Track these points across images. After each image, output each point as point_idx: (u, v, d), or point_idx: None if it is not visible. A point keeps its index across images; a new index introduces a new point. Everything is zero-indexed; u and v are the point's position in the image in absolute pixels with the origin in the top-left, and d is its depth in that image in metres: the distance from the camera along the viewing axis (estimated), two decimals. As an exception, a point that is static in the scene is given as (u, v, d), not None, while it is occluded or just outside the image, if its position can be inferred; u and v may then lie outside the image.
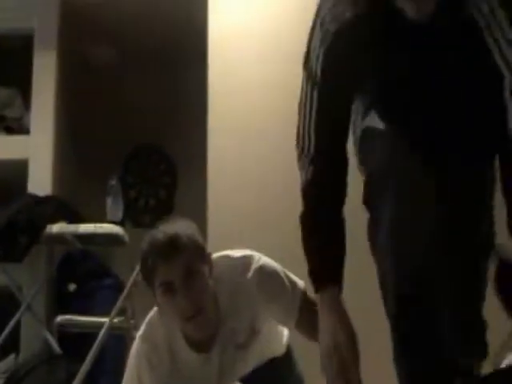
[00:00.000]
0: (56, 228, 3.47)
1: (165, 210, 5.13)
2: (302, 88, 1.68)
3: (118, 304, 3.38)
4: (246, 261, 2.03)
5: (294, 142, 1.73)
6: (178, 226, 1.96)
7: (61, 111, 4.43)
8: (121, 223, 3.53)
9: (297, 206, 1.71)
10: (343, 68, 1.60)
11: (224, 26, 3.58)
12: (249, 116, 3.52)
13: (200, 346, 2.02)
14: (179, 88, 5.10)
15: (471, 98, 1.61)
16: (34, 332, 3.71)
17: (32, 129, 4.26)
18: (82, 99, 4.87)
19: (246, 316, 2.01)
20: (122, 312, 3.43)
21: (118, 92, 5.10)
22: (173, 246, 1.90)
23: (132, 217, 4.70)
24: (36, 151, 4.17)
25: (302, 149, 1.69)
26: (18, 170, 4.08)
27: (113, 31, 4.80)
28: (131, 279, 3.35)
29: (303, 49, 1.68)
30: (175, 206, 5.20)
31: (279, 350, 2.18)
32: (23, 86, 4.34)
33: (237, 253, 2.07)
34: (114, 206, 3.61)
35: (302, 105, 1.67)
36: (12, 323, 3.53)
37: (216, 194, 3.47)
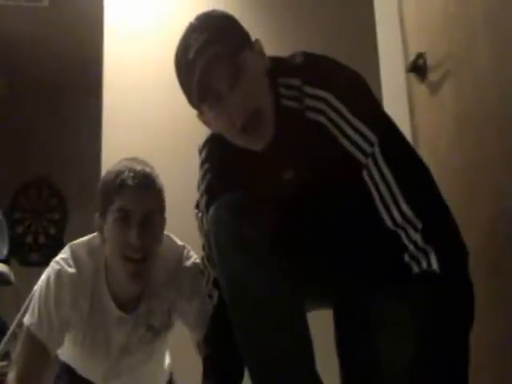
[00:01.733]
0: None
1: (55, 246, 4.93)
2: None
3: (1, 347, 3.18)
4: (187, 251, 2.02)
5: (191, 186, 1.75)
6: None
7: None
8: (6, 261, 3.37)
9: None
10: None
11: (120, 56, 3.49)
12: (144, 149, 3.42)
13: (122, 304, 1.93)
14: (70, 119, 4.97)
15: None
16: None
17: None
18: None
19: (169, 301, 1.98)
20: (5, 356, 3.24)
21: (5, 122, 4.92)
22: (148, 179, 1.83)
23: (19, 254, 4.50)
24: None
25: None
26: None
27: (3, 58, 4.65)
28: (16, 321, 3.16)
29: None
30: (65, 242, 5.02)
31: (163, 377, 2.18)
32: None
33: (178, 240, 2.04)
34: (-1, 242, 3.44)
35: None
36: None
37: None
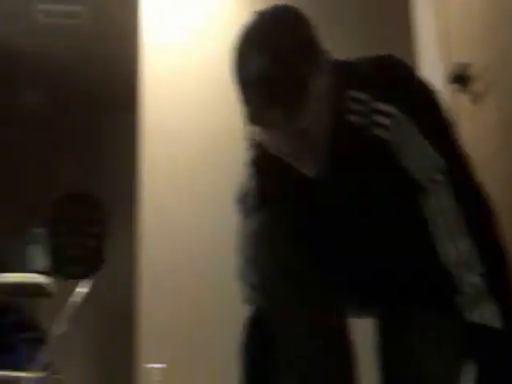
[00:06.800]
0: (-23, 278, 3.30)
1: (93, 259, 4.97)
2: None
3: (42, 358, 3.21)
4: None
5: (232, 191, 1.65)
6: None
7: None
8: (46, 273, 3.40)
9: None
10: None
11: (156, 70, 3.51)
12: (181, 161, 3.43)
13: None
14: (110, 133, 5.01)
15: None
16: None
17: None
18: (8, 143, 4.74)
19: None
20: (46, 367, 3.26)
21: (47, 136, 4.99)
22: None
23: (58, 267, 4.54)
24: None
25: None
26: None
27: (42, 75, 4.72)
28: (56, 332, 3.20)
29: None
30: (105, 256, 5.05)
31: None
32: None
33: None
34: (38, 255, 3.47)
35: None
36: None
37: (148, 246, 3.36)
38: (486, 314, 1.33)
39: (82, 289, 3.93)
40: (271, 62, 1.31)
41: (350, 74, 1.48)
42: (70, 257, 5.03)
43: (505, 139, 2.06)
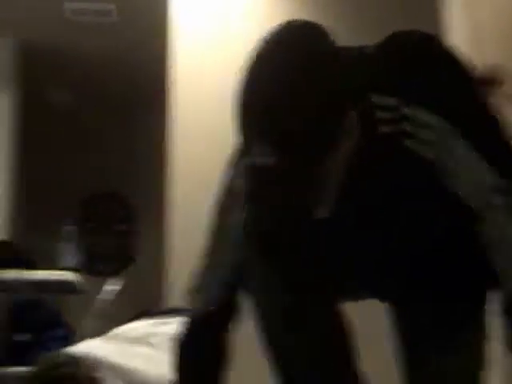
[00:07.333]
0: (9, 275, 3.34)
1: (122, 257, 5.02)
2: None
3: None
4: None
5: None
6: None
7: (16, 154, 4.35)
8: (76, 270, 3.43)
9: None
10: None
11: (186, 69, 3.53)
12: (211, 161, 3.44)
13: None
14: (139, 132, 5.05)
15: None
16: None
17: (-14, 171, 4.18)
18: (38, 142, 4.79)
19: None
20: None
21: (77, 135, 5.03)
22: None
23: (88, 264, 4.59)
24: (-10, 196, 4.08)
25: None
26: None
27: (72, 73, 4.75)
28: (86, 329, 3.23)
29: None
30: (134, 254, 5.11)
31: None
32: (-22, 126, 4.27)
33: None
34: (68, 252, 3.51)
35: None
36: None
37: (176, 243, 3.38)
38: None
39: (112, 286, 3.98)
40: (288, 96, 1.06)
41: (370, 68, 1.16)
42: (99, 254, 5.08)
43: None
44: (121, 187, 5.18)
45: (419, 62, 1.15)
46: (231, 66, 3.61)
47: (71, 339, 3.53)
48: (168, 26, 3.58)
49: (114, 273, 4.30)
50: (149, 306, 4.02)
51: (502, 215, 1.11)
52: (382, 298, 1.40)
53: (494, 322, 1.33)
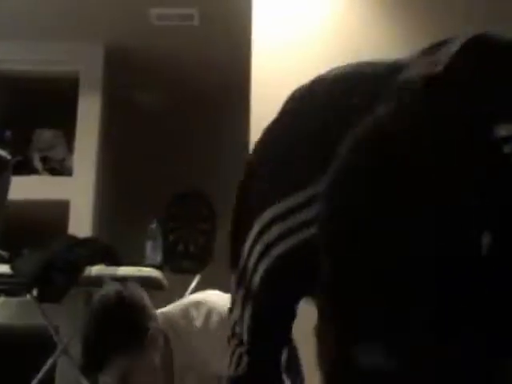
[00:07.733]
0: (95, 270, 3.45)
1: (204, 255, 5.09)
2: None
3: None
4: None
5: None
6: None
7: (104, 154, 4.46)
8: (159, 267, 3.50)
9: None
10: None
11: (268, 70, 3.57)
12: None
13: None
14: (222, 133, 5.11)
15: None
16: (69, 376, 3.66)
17: (75, 170, 4.29)
18: (125, 142, 4.91)
19: None
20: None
21: (161, 136, 5.13)
22: None
23: (171, 261, 4.68)
24: (78, 193, 4.19)
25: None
26: (60, 210, 4.09)
27: (157, 75, 4.85)
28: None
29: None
30: (214, 252, 5.16)
31: None
32: (67, 127, 4.40)
33: None
34: (153, 250, 3.59)
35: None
36: (47, 365, 3.49)
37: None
38: None
39: (193, 283, 4.05)
40: None
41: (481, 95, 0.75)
42: (181, 252, 5.18)
43: None
44: (203, 186, 5.26)
45: None
46: (312, 67, 3.63)
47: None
48: (251, 29, 3.61)
49: (196, 271, 4.37)
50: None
51: None
52: None
53: None
